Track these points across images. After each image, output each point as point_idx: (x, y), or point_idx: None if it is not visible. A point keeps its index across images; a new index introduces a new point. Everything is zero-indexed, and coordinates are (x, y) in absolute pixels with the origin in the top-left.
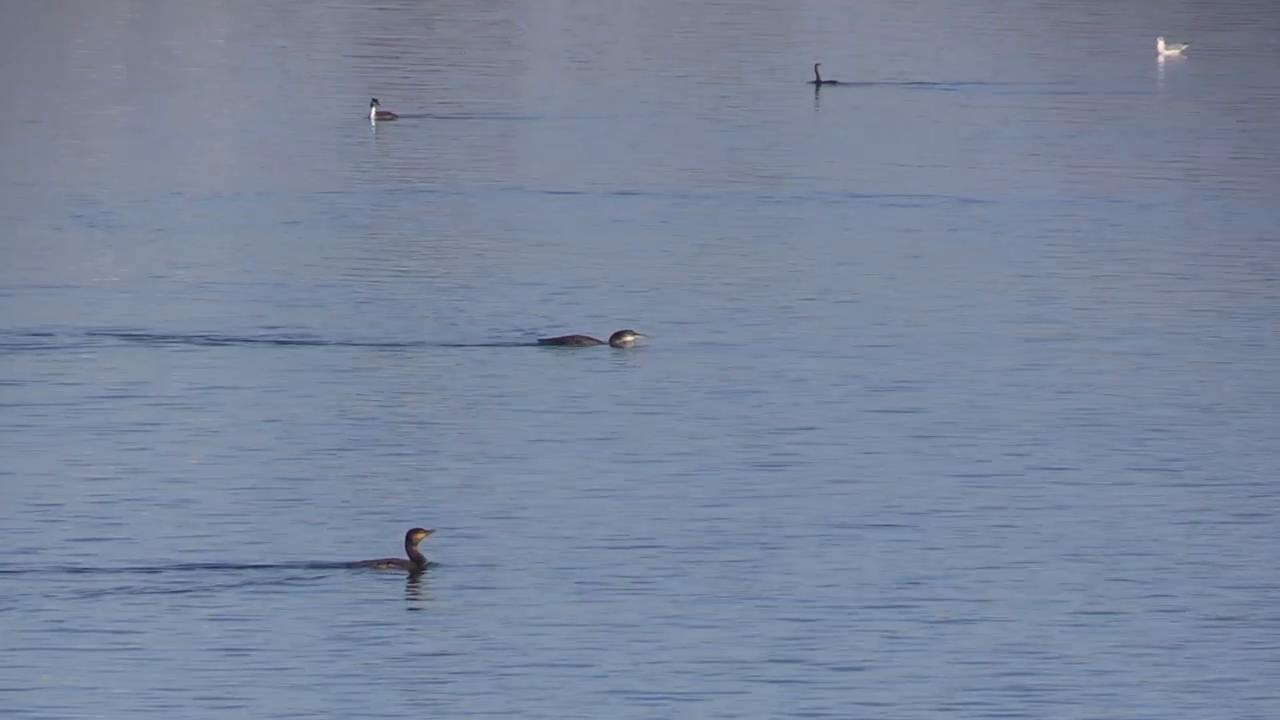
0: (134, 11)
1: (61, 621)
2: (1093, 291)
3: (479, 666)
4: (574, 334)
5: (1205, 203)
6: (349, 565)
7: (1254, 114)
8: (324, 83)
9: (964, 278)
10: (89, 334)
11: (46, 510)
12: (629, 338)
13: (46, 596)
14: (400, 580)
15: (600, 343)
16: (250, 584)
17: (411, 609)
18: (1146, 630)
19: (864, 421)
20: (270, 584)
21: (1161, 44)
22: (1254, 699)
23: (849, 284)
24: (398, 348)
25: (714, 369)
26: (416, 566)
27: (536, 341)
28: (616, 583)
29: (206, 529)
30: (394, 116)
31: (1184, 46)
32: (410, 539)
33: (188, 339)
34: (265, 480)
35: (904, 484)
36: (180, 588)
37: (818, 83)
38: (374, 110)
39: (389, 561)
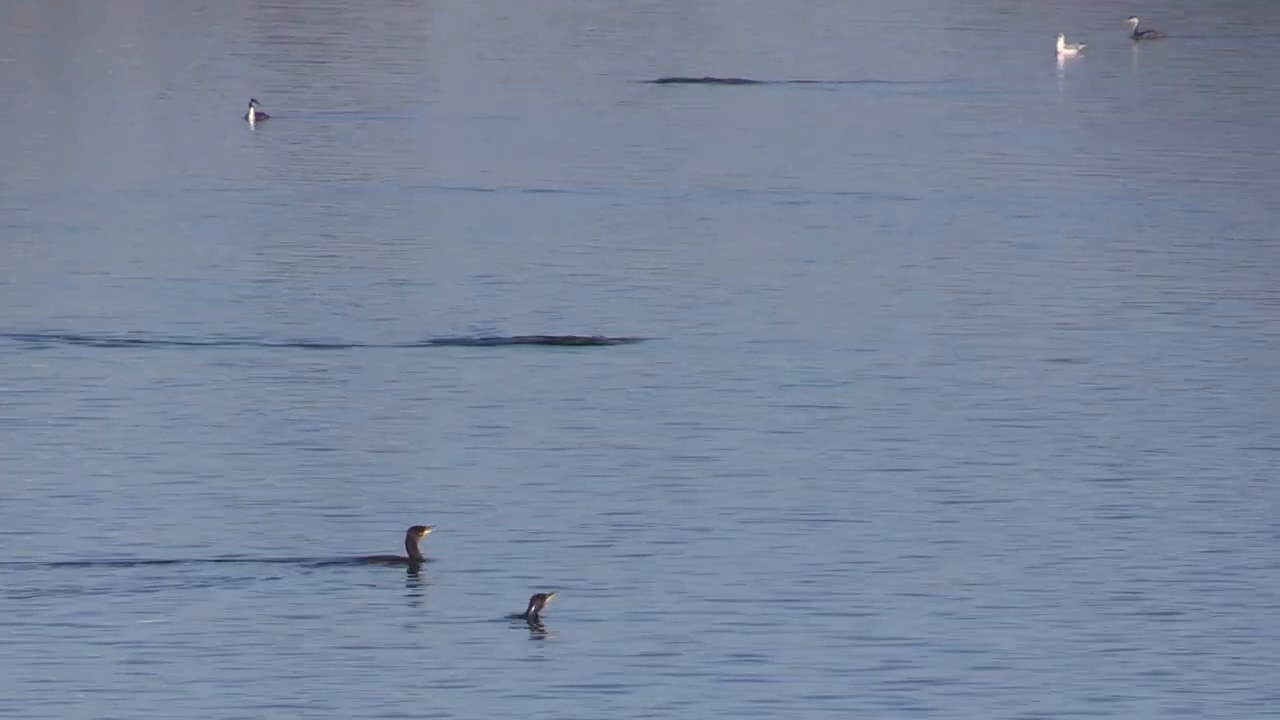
0: (45, 4)
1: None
2: (1007, 286)
3: (440, 662)
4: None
5: (1110, 197)
6: (339, 562)
7: (1151, 112)
8: (217, 81)
9: (875, 274)
10: None
11: None
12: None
13: None
14: (394, 576)
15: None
16: (224, 580)
17: (385, 605)
18: (1074, 623)
19: (792, 416)
20: (256, 580)
21: (1061, 43)
22: (1190, 692)
23: (767, 280)
24: (316, 347)
25: (642, 365)
26: (413, 564)
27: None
28: (578, 577)
29: (162, 526)
30: (267, 117)
31: (1082, 46)
32: (411, 536)
33: (108, 339)
34: (205, 478)
35: (830, 479)
36: (136, 585)
37: (664, 81)
38: (253, 111)
39: (384, 558)
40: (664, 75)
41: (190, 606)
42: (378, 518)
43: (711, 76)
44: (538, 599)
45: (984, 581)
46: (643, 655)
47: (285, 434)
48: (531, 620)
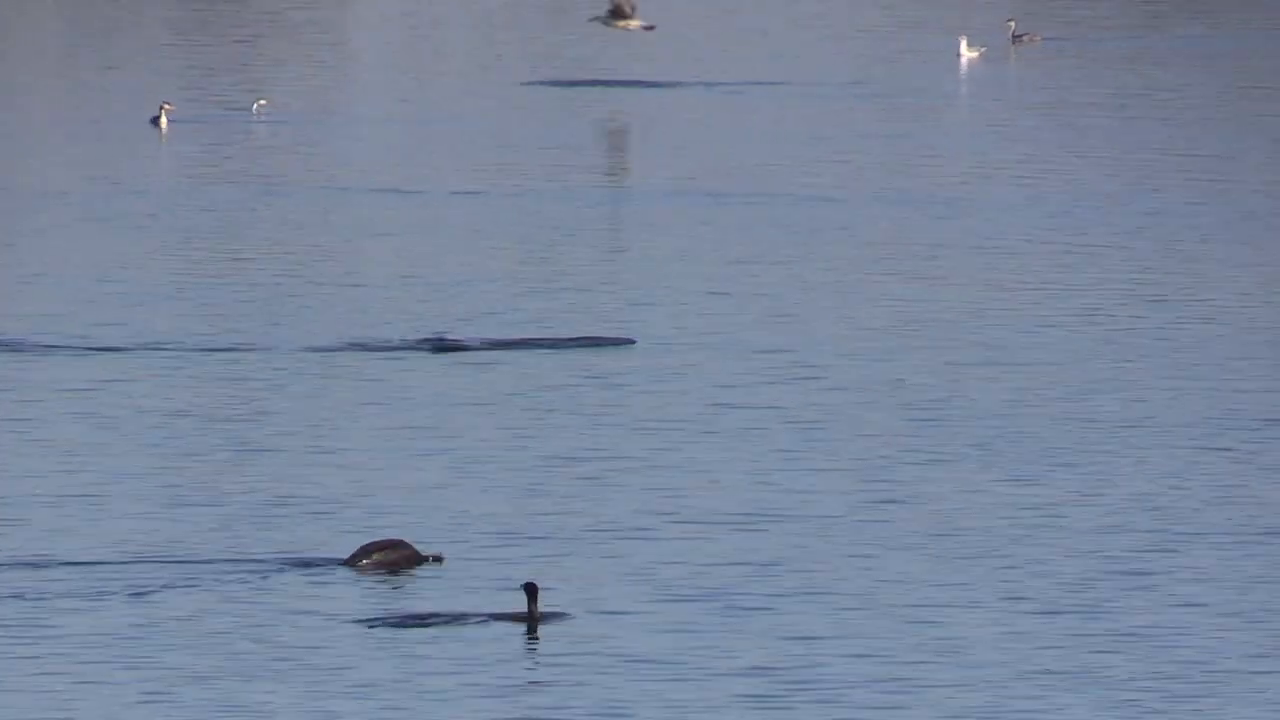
0: None
1: None
2: (933, 285)
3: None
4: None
5: (1027, 195)
6: (327, 563)
7: (1054, 114)
8: (129, 83)
9: (797, 275)
10: None
11: None
12: None
13: None
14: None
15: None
16: (199, 580)
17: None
18: (1003, 621)
19: (727, 417)
20: (221, 583)
21: (964, 45)
22: (1117, 688)
23: (698, 282)
24: (236, 350)
25: (584, 366)
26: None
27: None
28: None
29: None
30: (173, 121)
31: (984, 49)
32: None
33: (33, 343)
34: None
35: (769, 479)
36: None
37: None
38: (164, 113)
39: (372, 556)
40: (581, 76)
41: (151, 610)
42: (321, 519)
43: (623, 78)
44: (531, 589)
45: (917, 580)
46: (604, 655)
47: (217, 438)
48: (531, 613)
